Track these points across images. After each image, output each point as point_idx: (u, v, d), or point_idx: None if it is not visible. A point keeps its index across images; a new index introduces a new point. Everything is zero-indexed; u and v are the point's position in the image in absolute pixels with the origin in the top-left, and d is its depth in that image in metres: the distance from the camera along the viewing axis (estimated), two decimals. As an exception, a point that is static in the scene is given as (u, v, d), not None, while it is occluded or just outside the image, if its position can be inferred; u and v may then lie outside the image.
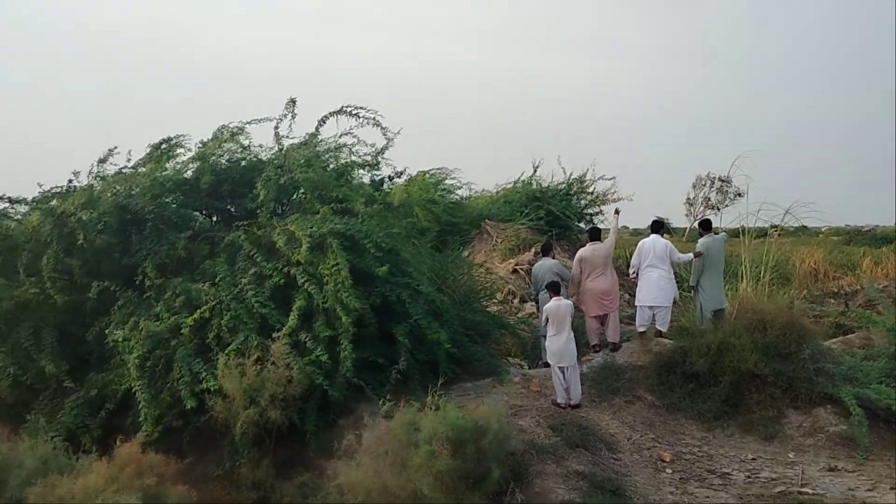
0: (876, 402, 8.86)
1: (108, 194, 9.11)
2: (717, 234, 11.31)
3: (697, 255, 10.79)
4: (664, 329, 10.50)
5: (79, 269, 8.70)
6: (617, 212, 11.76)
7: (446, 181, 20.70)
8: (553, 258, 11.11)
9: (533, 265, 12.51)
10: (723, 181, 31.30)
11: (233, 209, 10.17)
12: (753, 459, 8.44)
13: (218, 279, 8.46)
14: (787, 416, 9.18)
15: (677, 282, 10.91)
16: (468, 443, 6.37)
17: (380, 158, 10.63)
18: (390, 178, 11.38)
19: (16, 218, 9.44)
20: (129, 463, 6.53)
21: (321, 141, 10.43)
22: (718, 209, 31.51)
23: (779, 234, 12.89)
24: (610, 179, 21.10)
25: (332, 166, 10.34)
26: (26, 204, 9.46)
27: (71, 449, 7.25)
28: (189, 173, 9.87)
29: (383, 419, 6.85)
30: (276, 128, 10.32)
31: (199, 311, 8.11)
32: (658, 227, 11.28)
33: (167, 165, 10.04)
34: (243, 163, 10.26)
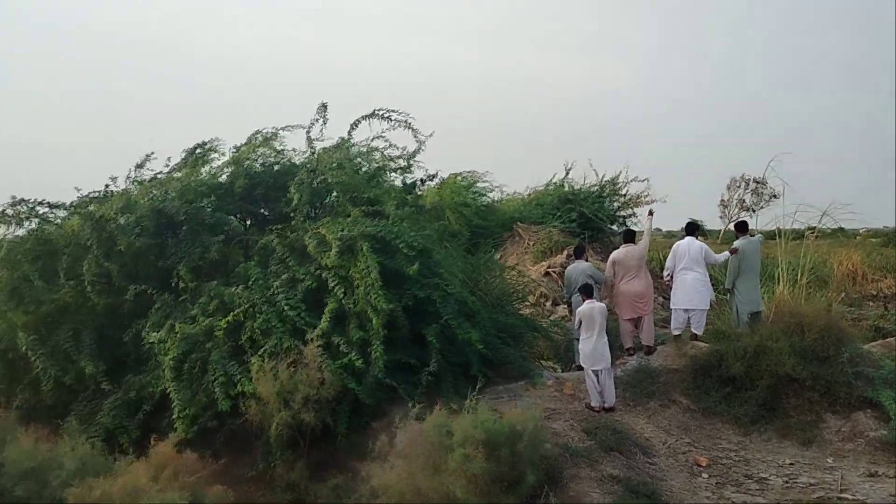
0: (917, 407, 8.68)
1: (145, 199, 9.25)
2: (753, 236, 11.17)
3: (733, 251, 10.65)
4: (699, 332, 10.38)
5: (117, 272, 8.84)
6: (651, 213, 11.65)
7: (478, 184, 20.65)
8: (586, 261, 11.04)
9: (566, 268, 12.45)
10: (758, 183, 30.86)
11: (266, 213, 10.29)
12: (791, 464, 8.31)
13: (251, 282, 8.55)
14: (826, 420, 9.03)
15: (713, 284, 10.79)
16: (503, 447, 6.35)
17: (411, 161, 10.67)
18: (422, 181, 11.40)
19: (55, 222, 9.62)
20: (167, 463, 6.62)
21: (353, 144, 10.49)
22: (753, 211, 31.06)
23: (816, 236, 12.71)
24: (643, 181, 20.91)
25: (364, 169, 10.39)
26: (65, 209, 9.65)
27: (108, 450, 7.37)
28: (224, 177, 10.00)
29: (415, 421, 6.86)
30: (308, 132, 10.42)
31: (232, 313, 8.20)
32: (693, 229, 11.17)
33: (202, 170, 10.19)
34: (276, 167, 10.38)
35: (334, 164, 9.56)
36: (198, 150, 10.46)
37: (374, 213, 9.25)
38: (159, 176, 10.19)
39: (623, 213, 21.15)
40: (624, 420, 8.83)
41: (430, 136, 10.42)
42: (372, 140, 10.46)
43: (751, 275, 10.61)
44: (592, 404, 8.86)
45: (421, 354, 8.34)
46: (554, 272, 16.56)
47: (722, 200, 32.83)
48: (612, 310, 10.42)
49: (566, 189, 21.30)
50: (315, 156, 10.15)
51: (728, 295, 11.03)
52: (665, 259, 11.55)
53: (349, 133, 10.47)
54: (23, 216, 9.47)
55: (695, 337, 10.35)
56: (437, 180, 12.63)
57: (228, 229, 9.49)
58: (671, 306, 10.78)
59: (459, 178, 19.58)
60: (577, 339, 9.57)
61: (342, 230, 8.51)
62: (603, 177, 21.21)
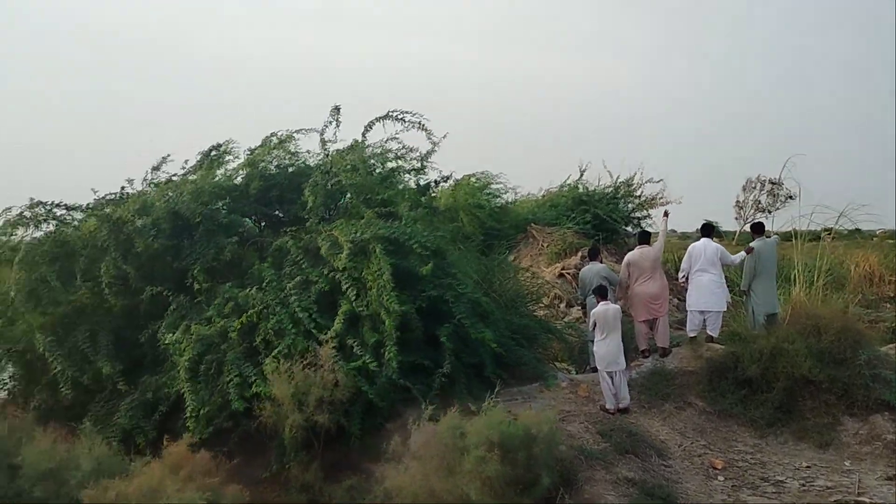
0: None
1: (161, 201, 9.31)
2: (769, 237, 11.10)
3: (749, 251, 10.59)
4: (715, 334, 10.32)
5: (134, 274, 8.90)
6: (666, 214, 11.58)
7: (492, 185, 20.64)
8: (601, 262, 11.01)
9: (580, 269, 12.41)
10: (773, 184, 30.64)
11: (281, 214, 10.33)
12: (808, 467, 8.25)
13: (264, 284, 8.59)
14: (843, 423, 8.96)
15: (728, 286, 10.73)
16: (518, 449, 6.35)
17: (425, 163, 10.68)
18: (436, 183, 11.40)
19: (73, 224, 9.69)
20: (182, 464, 6.66)
21: (368, 146, 10.52)
22: (769, 212, 30.80)
23: (832, 238, 12.63)
24: (658, 182, 20.84)
25: (378, 171, 10.41)
26: (82, 211, 9.73)
27: (125, 450, 7.43)
28: (239, 179, 10.06)
29: (429, 423, 6.87)
30: (322, 134, 10.46)
31: (245, 314, 8.24)
32: (708, 230, 11.10)
33: (217, 172, 10.25)
34: (291, 169, 10.42)
35: (348, 166, 9.59)
36: (213, 153, 10.52)
37: (388, 214, 9.26)
38: (174, 178, 10.26)
39: (638, 214, 21.11)
40: (639, 422, 8.80)
41: (444, 137, 10.45)
42: (386, 141, 10.50)
43: (767, 276, 10.54)
44: (607, 406, 8.83)
45: (435, 356, 8.34)
46: (568, 274, 16.53)
47: (737, 202, 32.60)
48: (626, 311, 10.38)
49: (580, 190, 21.27)
50: (329, 158, 10.18)
51: (744, 297, 10.97)
52: (680, 261, 11.50)
53: (363, 135, 10.49)
54: (40, 218, 9.58)
55: (710, 339, 10.29)
56: (451, 182, 12.64)
57: (243, 231, 9.54)
58: (687, 308, 10.73)
59: (473, 179, 19.57)
60: (592, 341, 9.56)
61: (355, 232, 8.53)
62: (617, 178, 21.19)
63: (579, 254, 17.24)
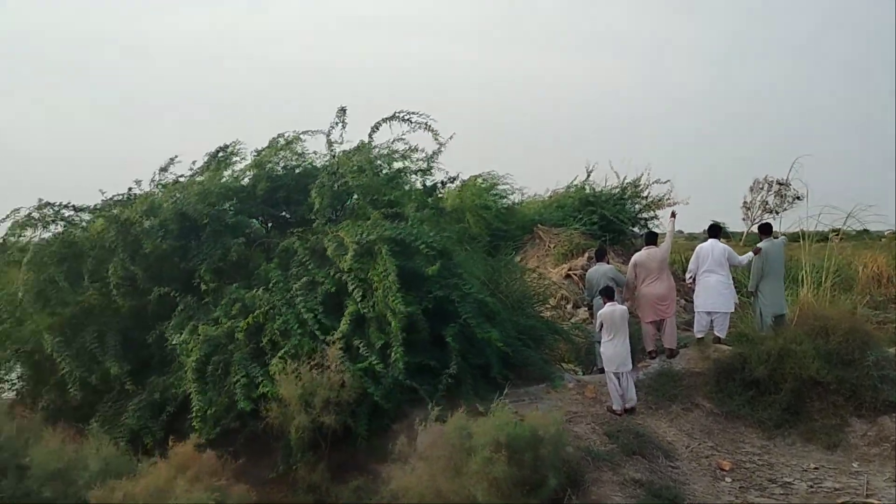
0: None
1: (169, 202, 9.33)
2: (777, 238, 11.07)
3: (757, 251, 10.57)
4: (723, 335, 10.30)
5: (142, 274, 8.92)
6: (673, 215, 11.58)
7: (498, 186, 20.61)
8: (607, 263, 10.99)
9: (587, 270, 12.40)
10: (781, 184, 30.54)
11: (288, 215, 10.35)
12: (816, 469, 8.22)
13: (271, 284, 8.60)
14: (851, 424, 8.93)
15: (736, 287, 10.70)
16: (525, 450, 6.34)
17: (432, 163, 10.68)
18: (443, 184, 11.40)
19: (81, 225, 9.72)
20: (188, 464, 6.67)
21: (374, 147, 10.52)
22: (777, 213, 30.71)
23: (840, 238, 12.58)
24: (665, 183, 20.78)
25: (384, 171, 10.42)
26: (90, 212, 9.76)
27: (133, 451, 7.45)
28: (246, 181, 10.08)
29: (436, 424, 6.87)
30: (329, 135, 10.48)
31: (251, 315, 8.25)
32: (716, 231, 11.08)
33: (224, 173, 10.27)
34: (298, 170, 10.43)
35: (355, 167, 9.60)
36: (220, 154, 10.55)
37: (395, 215, 9.26)
38: (181, 179, 10.29)
39: (645, 215, 21.03)
40: (646, 423, 8.78)
41: (451, 137, 10.45)
42: (392, 142, 10.51)
43: (774, 277, 10.52)
44: (614, 408, 8.82)
45: (441, 357, 8.34)
46: (575, 275, 16.49)
47: (744, 202, 32.52)
48: (633, 312, 10.36)
49: (587, 191, 21.21)
50: (335, 159, 10.19)
51: (751, 298, 10.95)
52: (687, 261, 11.47)
53: (370, 136, 10.50)
54: (49, 219, 9.61)
55: (718, 340, 10.27)
56: (457, 182, 12.63)
57: (250, 231, 9.56)
58: (695, 309, 10.71)
59: (480, 179, 19.55)
60: (599, 342, 9.54)
61: (361, 233, 8.53)
62: (624, 179, 21.10)
63: (586, 255, 17.20)
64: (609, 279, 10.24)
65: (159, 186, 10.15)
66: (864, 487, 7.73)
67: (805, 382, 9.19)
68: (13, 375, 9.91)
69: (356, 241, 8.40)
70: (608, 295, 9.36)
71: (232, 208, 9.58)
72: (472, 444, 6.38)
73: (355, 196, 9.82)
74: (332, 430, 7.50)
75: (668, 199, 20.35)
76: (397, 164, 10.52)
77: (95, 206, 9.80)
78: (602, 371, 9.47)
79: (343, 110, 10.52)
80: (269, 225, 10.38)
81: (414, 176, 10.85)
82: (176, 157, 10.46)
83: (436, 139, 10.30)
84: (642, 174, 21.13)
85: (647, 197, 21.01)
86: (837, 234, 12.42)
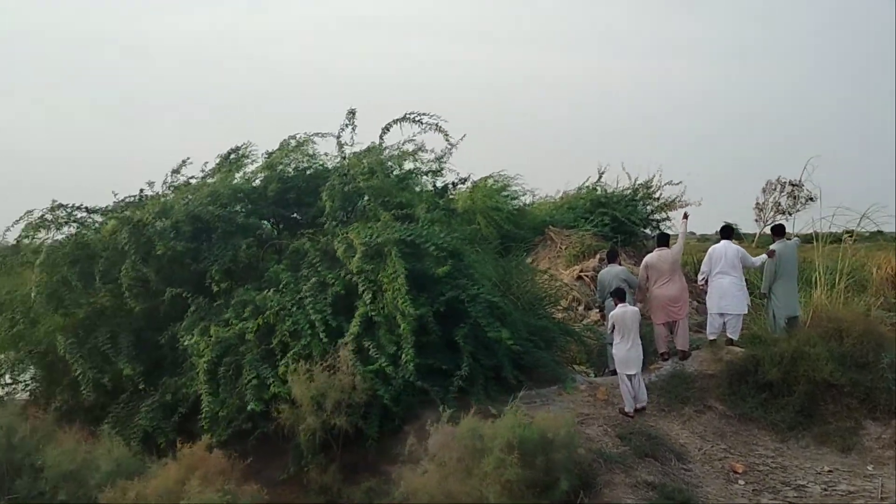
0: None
1: (181, 204, 9.37)
2: (790, 239, 11.00)
3: (771, 254, 10.51)
4: (735, 337, 10.24)
5: (154, 276, 8.96)
6: (685, 216, 11.53)
7: (509, 187, 20.59)
8: (619, 265, 10.95)
9: (598, 272, 12.36)
10: (794, 185, 30.36)
11: (298, 217, 10.36)
12: (830, 472, 8.16)
13: (281, 286, 8.61)
14: (866, 427, 8.86)
15: (749, 289, 10.64)
16: (537, 452, 6.32)
17: (442, 164, 10.68)
18: (454, 185, 11.39)
19: (93, 227, 9.77)
20: (199, 465, 6.69)
21: (385, 148, 10.53)
22: (790, 214, 30.53)
23: (853, 240, 12.50)
24: (677, 184, 20.69)
25: (395, 173, 10.42)
26: (102, 214, 9.81)
27: (146, 451, 7.47)
28: (257, 182, 10.10)
29: (447, 425, 6.85)
30: (339, 137, 10.49)
31: (262, 316, 8.26)
32: (728, 232, 11.02)
33: (236, 175, 10.31)
34: (309, 171, 10.45)
35: (365, 169, 9.61)
36: (231, 156, 10.58)
37: (405, 217, 9.26)
38: (193, 181, 10.33)
39: (656, 216, 20.95)
40: (659, 426, 8.74)
41: (463, 138, 10.45)
42: (403, 144, 10.51)
43: (788, 279, 10.46)
44: (626, 409, 8.78)
45: (453, 359, 8.33)
46: (586, 276, 16.44)
47: (757, 204, 32.33)
48: (645, 314, 10.32)
49: (599, 192, 21.15)
50: (346, 161, 10.20)
51: (764, 299, 10.89)
52: (699, 263, 11.41)
53: (380, 137, 10.51)
54: (62, 221, 9.67)
55: (731, 342, 10.21)
56: (468, 184, 12.62)
57: (261, 233, 9.58)
58: (707, 311, 10.66)
59: (491, 181, 19.54)
60: (611, 344, 9.50)
61: (370, 235, 8.53)
62: (636, 180, 21.04)
63: (598, 256, 17.15)
64: (621, 281, 10.21)
65: (171, 188, 10.19)
66: (878, 490, 7.67)
67: (819, 385, 9.13)
68: (27, 376, 9.98)
69: (364, 242, 8.40)
70: (620, 296, 9.33)
71: (243, 210, 9.61)
72: (484, 446, 6.37)
73: (366, 198, 9.81)
74: (344, 431, 7.51)
75: (681, 200, 20.26)
76: (408, 166, 10.52)
77: (108, 207, 9.85)
78: (614, 373, 9.43)
79: (353, 112, 10.53)
80: (280, 226, 10.39)
81: (425, 177, 10.86)
82: (188, 158, 10.53)
83: (447, 140, 10.31)
84: (654, 175, 21.07)
85: (659, 198, 20.92)
86: (851, 236, 12.35)
